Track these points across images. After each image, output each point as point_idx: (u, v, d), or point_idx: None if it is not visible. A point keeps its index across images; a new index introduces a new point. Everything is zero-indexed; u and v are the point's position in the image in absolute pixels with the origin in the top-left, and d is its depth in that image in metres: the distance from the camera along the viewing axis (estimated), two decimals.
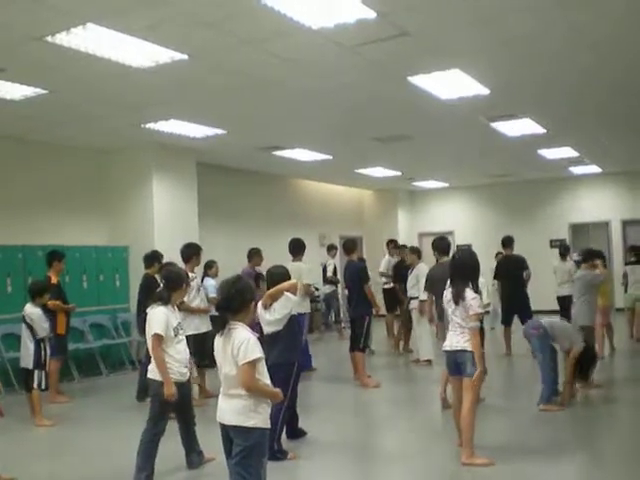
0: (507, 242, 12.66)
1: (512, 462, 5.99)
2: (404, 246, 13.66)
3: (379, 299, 11.78)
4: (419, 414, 8.36)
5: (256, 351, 3.96)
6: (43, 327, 7.92)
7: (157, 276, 8.73)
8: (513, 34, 7.37)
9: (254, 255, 10.95)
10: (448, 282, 6.21)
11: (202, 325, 8.74)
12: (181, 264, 8.58)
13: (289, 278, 6.57)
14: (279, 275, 6.55)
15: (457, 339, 5.96)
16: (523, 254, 12.64)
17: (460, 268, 6.14)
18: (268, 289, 6.46)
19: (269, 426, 4.10)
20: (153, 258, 9.48)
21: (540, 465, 5.96)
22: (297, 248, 10.41)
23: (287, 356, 6.31)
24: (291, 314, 6.43)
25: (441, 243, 8.65)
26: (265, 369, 4.09)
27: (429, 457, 6.45)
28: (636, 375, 10.40)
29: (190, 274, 8.42)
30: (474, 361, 5.87)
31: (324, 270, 15.91)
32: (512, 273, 12.11)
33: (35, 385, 7.91)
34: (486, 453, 6.01)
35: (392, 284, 13.49)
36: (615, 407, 8.40)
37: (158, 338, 5.58)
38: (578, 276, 9.64)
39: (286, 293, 6.32)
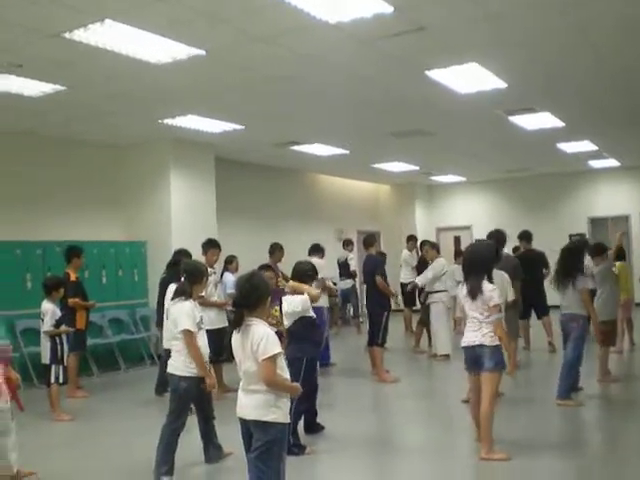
0: (525, 237, 12.54)
1: (530, 457, 5.96)
2: (424, 242, 13.63)
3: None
4: (437, 409, 8.35)
5: (276, 346, 3.96)
6: (50, 323, 7.95)
7: None
8: (529, 28, 7.33)
9: (276, 250, 10.99)
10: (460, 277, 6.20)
11: (218, 320, 8.76)
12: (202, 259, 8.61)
13: (315, 273, 6.61)
14: (303, 270, 6.59)
15: (475, 334, 5.94)
16: (542, 249, 12.56)
17: (474, 262, 6.11)
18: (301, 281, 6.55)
19: (289, 421, 4.11)
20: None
21: (557, 460, 5.94)
22: (315, 251, 10.92)
23: (295, 352, 6.27)
24: (304, 315, 6.42)
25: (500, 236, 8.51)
26: (284, 364, 4.10)
27: (447, 452, 6.43)
28: None
29: (209, 269, 8.44)
30: (492, 355, 5.85)
31: (343, 265, 15.86)
32: (533, 269, 12.02)
33: (53, 379, 7.94)
34: (504, 448, 6.00)
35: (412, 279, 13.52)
36: (633, 402, 8.35)
37: (190, 334, 5.59)
38: (596, 271, 9.59)
39: (305, 295, 6.33)
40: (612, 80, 9.72)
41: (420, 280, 11.53)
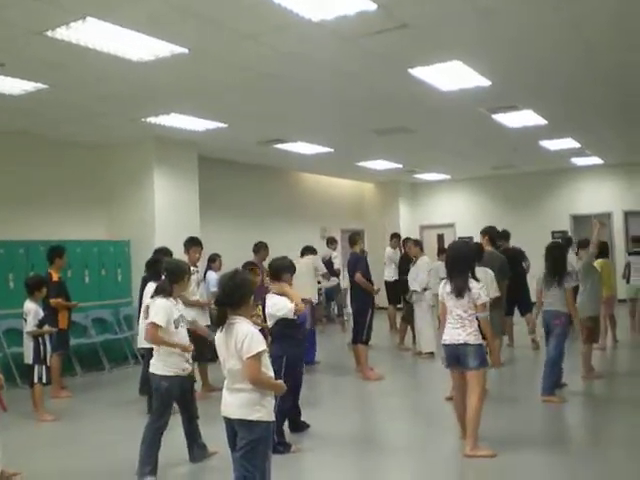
0: (503, 236, 12.70)
1: (515, 453, 6.00)
2: (407, 239, 13.66)
3: (381, 291, 11.85)
4: (421, 406, 8.37)
5: (260, 344, 3.96)
6: (33, 323, 7.90)
7: None
8: (513, 26, 7.34)
9: (261, 249, 11.05)
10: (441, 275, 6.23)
11: (200, 320, 8.71)
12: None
13: (292, 270, 6.58)
14: (279, 266, 6.55)
15: (458, 332, 5.95)
16: (525, 246, 12.71)
17: (457, 261, 6.13)
18: (271, 279, 6.49)
19: (274, 419, 4.11)
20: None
21: (542, 456, 5.98)
22: (306, 251, 11.31)
23: (276, 350, 6.22)
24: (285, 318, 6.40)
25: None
26: (269, 361, 4.10)
27: (432, 449, 6.46)
28: (638, 367, 10.41)
29: (192, 268, 8.43)
30: (477, 354, 5.87)
31: (327, 263, 15.86)
32: (514, 265, 12.08)
33: (36, 380, 7.90)
34: (489, 444, 6.03)
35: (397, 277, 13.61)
36: (617, 399, 8.42)
37: (155, 327, 5.58)
38: (579, 267, 9.65)
39: (291, 305, 6.30)
40: (598, 77, 9.73)
41: (419, 286, 11.42)
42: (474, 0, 6.55)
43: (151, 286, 6.72)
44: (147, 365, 6.04)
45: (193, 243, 9.23)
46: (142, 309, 6.90)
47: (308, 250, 11.47)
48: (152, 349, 5.82)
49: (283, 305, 6.29)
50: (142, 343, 7.22)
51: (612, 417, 7.34)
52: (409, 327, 12.58)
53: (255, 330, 4.01)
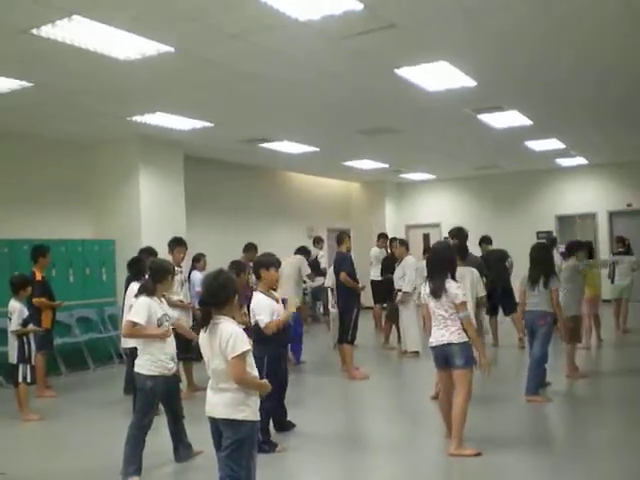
0: (485, 240, 12.96)
1: (499, 453, 6.02)
2: (393, 239, 13.69)
3: (367, 291, 11.88)
4: (407, 406, 8.39)
5: (245, 343, 3.96)
6: (17, 322, 7.87)
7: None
8: (499, 27, 7.36)
9: (250, 249, 11.06)
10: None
11: (182, 320, 8.64)
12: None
13: (276, 265, 6.55)
14: (264, 262, 6.53)
15: (442, 333, 5.97)
16: (509, 246, 12.85)
17: (437, 262, 6.15)
18: (256, 276, 6.49)
19: (259, 418, 4.11)
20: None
21: (526, 456, 6.00)
22: (298, 251, 11.68)
23: (257, 351, 6.19)
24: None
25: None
26: (253, 361, 4.10)
27: (417, 448, 6.48)
28: (622, 366, 10.47)
29: (176, 268, 8.41)
30: (462, 352, 5.89)
31: (313, 263, 15.87)
32: (496, 265, 12.15)
33: (20, 379, 7.87)
34: (473, 444, 6.04)
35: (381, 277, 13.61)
36: (601, 398, 8.47)
37: (132, 324, 5.58)
38: (565, 267, 9.69)
39: (270, 305, 6.31)
40: (579, 80, 9.80)
41: (409, 285, 11.43)
42: (460, 0, 6.57)
43: (134, 286, 6.72)
44: (132, 364, 6.03)
45: (177, 243, 9.20)
46: (126, 309, 6.90)
47: (300, 251, 11.66)
48: (136, 348, 5.81)
49: (262, 312, 6.28)
50: (127, 343, 7.21)
51: (596, 416, 7.37)
52: (394, 326, 12.61)
53: (240, 330, 4.01)
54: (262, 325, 6.24)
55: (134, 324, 5.57)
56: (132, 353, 6.45)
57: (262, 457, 5.10)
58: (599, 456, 6.09)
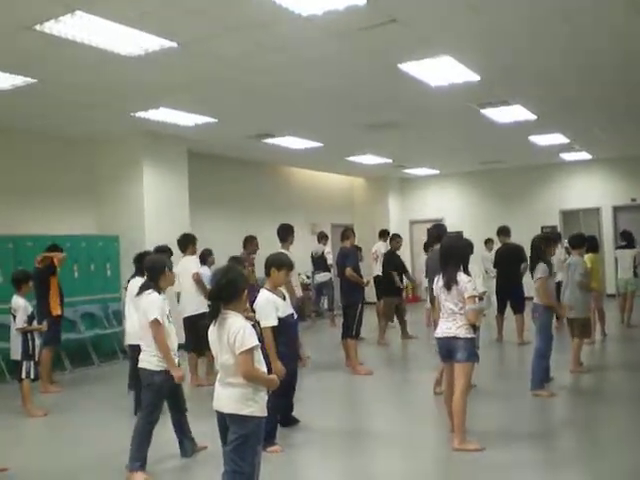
0: (503, 231, 12.79)
1: (503, 448, 6.02)
2: (396, 235, 13.68)
3: (370, 286, 11.88)
4: (411, 401, 8.39)
5: (253, 338, 3.96)
6: (22, 319, 7.88)
7: None
8: (503, 21, 7.35)
9: (248, 242, 10.98)
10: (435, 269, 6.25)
11: (202, 306, 8.51)
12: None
13: (288, 267, 6.48)
14: (277, 262, 6.48)
15: (449, 325, 5.98)
16: (514, 241, 12.68)
17: (450, 254, 6.15)
18: (266, 273, 6.45)
19: (266, 414, 4.10)
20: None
21: (531, 450, 5.99)
22: (284, 232, 10.22)
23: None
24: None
25: (435, 231, 8.68)
26: (261, 356, 4.10)
27: (421, 443, 6.48)
28: (627, 360, 10.46)
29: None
30: (465, 347, 5.89)
31: (319, 258, 15.86)
32: (511, 262, 12.11)
33: (24, 375, 7.88)
34: (477, 438, 6.04)
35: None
36: (606, 393, 8.46)
37: (158, 325, 5.55)
38: (569, 262, 9.66)
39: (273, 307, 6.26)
40: (584, 74, 9.78)
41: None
42: None
43: (137, 281, 6.72)
44: (135, 361, 6.02)
45: (190, 241, 9.52)
46: (127, 303, 6.92)
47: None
48: (139, 345, 5.80)
49: (261, 316, 6.21)
50: (131, 339, 7.18)
51: (599, 411, 7.37)
52: (397, 318, 12.71)
53: (248, 325, 4.01)
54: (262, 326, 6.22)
55: (159, 322, 5.55)
56: (136, 349, 6.43)
57: (266, 453, 5.11)
58: (602, 450, 6.09)
